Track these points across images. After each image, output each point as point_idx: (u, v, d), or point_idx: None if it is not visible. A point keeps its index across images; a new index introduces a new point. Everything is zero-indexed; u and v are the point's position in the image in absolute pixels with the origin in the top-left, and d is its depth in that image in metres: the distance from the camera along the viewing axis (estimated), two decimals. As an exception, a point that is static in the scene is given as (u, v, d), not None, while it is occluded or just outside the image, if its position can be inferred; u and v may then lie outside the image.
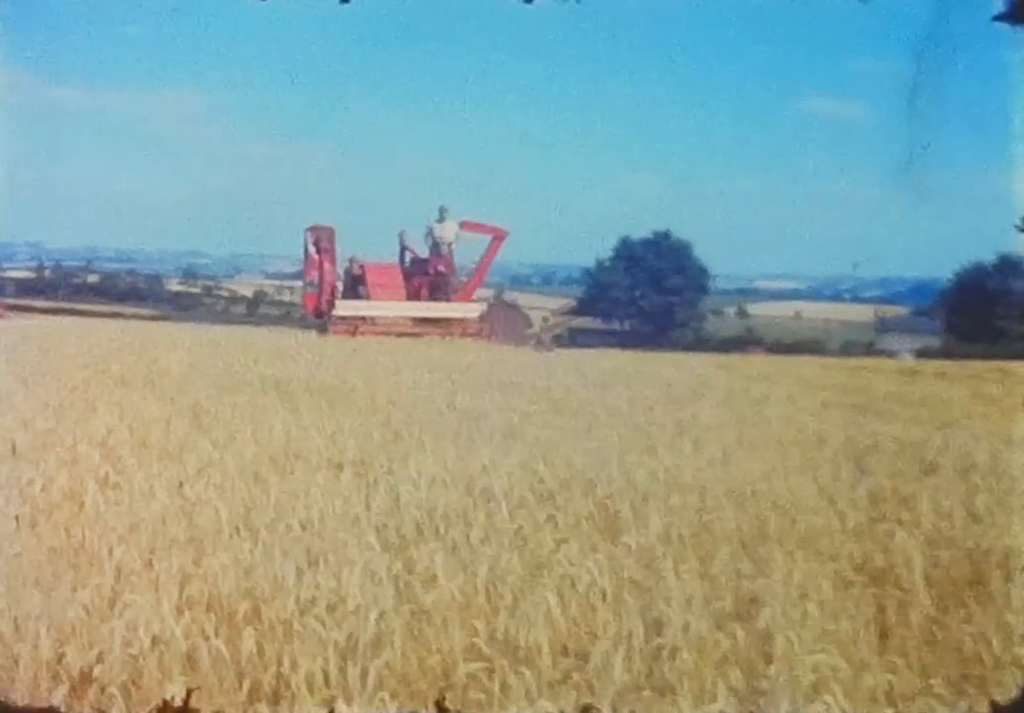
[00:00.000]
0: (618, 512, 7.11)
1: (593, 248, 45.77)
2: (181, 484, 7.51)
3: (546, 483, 7.84)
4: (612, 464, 8.50)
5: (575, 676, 4.67)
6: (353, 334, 29.59)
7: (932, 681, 4.60)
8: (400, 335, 29.71)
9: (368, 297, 32.06)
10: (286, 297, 67.95)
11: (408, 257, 33.98)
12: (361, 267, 32.70)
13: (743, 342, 42.41)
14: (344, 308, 31.34)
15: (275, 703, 4.73)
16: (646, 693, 4.49)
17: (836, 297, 77.04)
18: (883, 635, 5.18)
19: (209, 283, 63.92)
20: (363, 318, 31.31)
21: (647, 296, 45.17)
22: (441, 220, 33.02)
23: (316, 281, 32.08)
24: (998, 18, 6.70)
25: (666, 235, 45.38)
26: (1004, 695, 4.52)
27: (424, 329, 31.32)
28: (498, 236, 33.76)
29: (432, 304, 32.37)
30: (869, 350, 57.40)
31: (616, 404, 12.72)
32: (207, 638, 5.01)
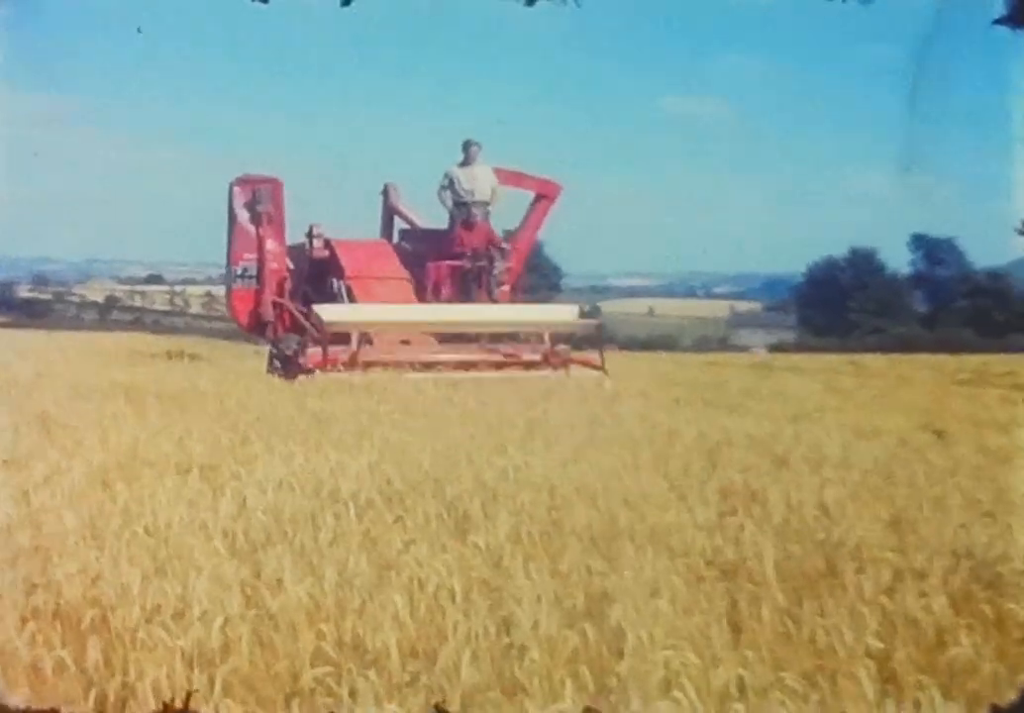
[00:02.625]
0: (467, 512, 7.12)
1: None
2: (27, 492, 7.42)
3: (394, 484, 7.84)
4: (461, 464, 8.54)
5: (424, 678, 4.67)
6: (352, 367, 17.00)
7: (784, 674, 4.65)
8: (460, 367, 17.72)
9: (347, 297, 19.56)
10: (137, 302, 67.45)
11: (397, 229, 22.06)
12: (329, 245, 20.30)
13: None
14: (331, 315, 18.07)
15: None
16: (494, 694, 4.50)
17: (689, 293, 78.09)
18: (735, 629, 5.23)
19: (60, 289, 63.30)
20: (364, 338, 18.07)
21: (499, 295, 45.18)
22: (467, 163, 20.62)
23: (252, 269, 19.81)
24: (998, 21, 6.76)
25: (517, 233, 45.34)
26: (855, 687, 4.57)
27: (491, 357, 18.63)
28: (548, 193, 21.52)
29: (484, 307, 19.89)
30: (723, 345, 58.23)
31: (467, 403, 12.77)
32: (52, 648, 4.96)
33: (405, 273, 20.44)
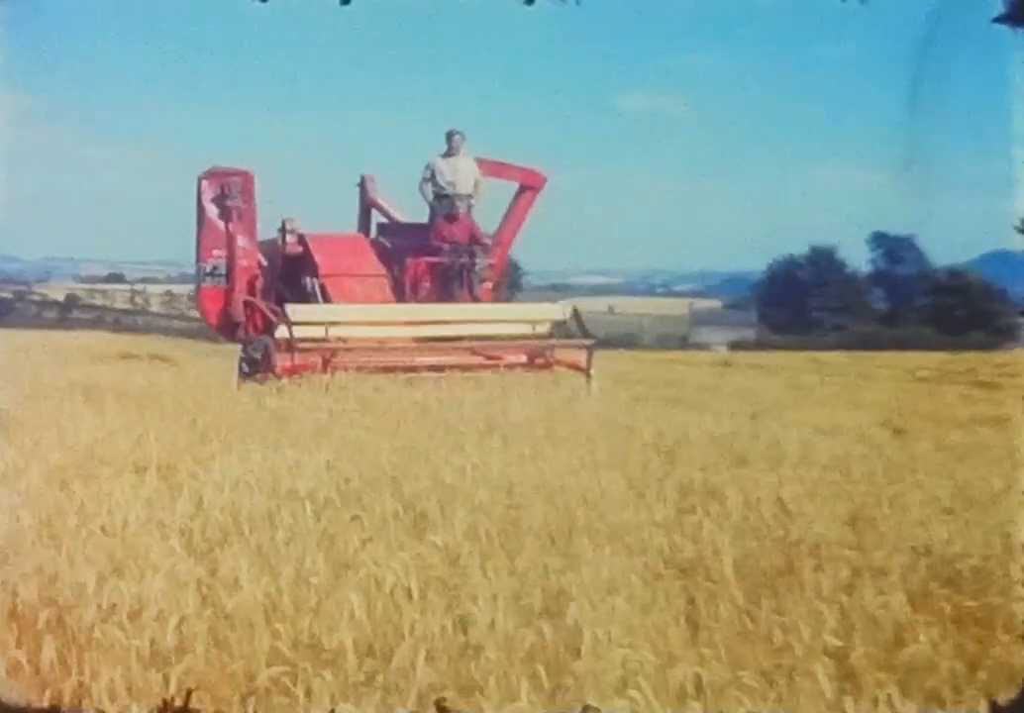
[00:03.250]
0: (425, 511, 7.11)
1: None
2: (-17, 493, 7.38)
3: (352, 483, 7.81)
4: (419, 462, 8.52)
5: (380, 677, 4.65)
6: (325, 369, 15.78)
7: (742, 673, 4.65)
8: (440, 371, 16.32)
9: (321, 296, 18.54)
10: (98, 301, 67.24)
11: (375, 223, 20.95)
12: (302, 241, 19.16)
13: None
14: (301, 316, 16.81)
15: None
16: (450, 693, 4.48)
17: (649, 291, 78.30)
18: (693, 628, 5.23)
19: (20, 288, 63.05)
20: (337, 342, 16.75)
21: (459, 293, 45.13)
22: (450, 154, 19.65)
23: (222, 267, 18.80)
24: (998, 20, 6.74)
25: (478, 232, 45.34)
26: (813, 685, 4.57)
27: (471, 359, 17.39)
28: (533, 184, 20.39)
29: (465, 307, 18.95)
30: (683, 343, 58.37)
31: (426, 402, 12.72)
32: (7, 648, 4.93)
33: (382, 270, 19.16)
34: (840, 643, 4.96)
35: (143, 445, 9.20)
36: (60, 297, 63.81)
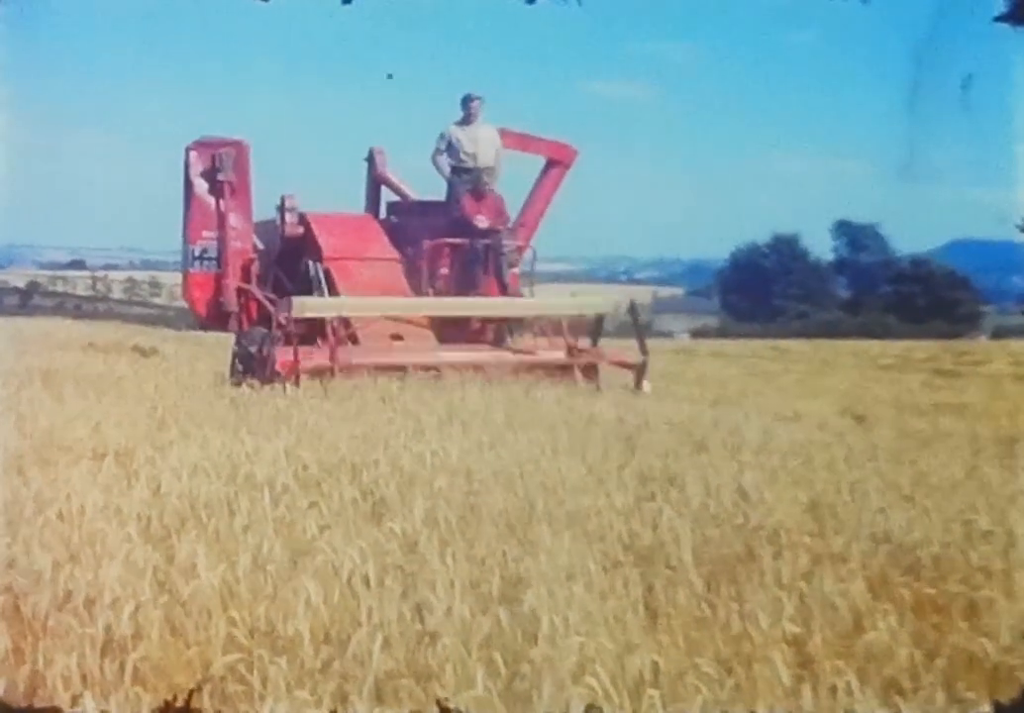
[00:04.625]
0: (384, 497, 7.11)
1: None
2: (-60, 480, 7.34)
3: (311, 469, 7.81)
4: (379, 449, 8.51)
5: (336, 664, 4.63)
6: (330, 373, 13.71)
7: (699, 660, 4.64)
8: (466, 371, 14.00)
9: (325, 282, 16.25)
10: (59, 288, 67.09)
11: (385, 202, 18.85)
12: (304, 220, 17.11)
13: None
14: (309, 310, 14.76)
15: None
16: (406, 680, 4.47)
17: (612, 278, 78.46)
18: (651, 615, 5.22)
19: (-20, 274, 62.98)
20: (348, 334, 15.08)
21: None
22: (468, 122, 17.45)
23: (213, 250, 16.92)
24: (999, 19, 6.75)
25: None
26: (771, 672, 4.57)
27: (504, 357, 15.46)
28: (563, 158, 18.50)
29: (500, 301, 16.99)
30: (646, 331, 58.52)
31: (387, 388, 12.71)
32: (-38, 636, 4.91)
33: (395, 253, 17.19)
34: (798, 630, 4.96)
35: (101, 431, 9.21)
36: (21, 284, 63.64)
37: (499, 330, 17.26)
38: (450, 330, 16.26)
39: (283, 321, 14.43)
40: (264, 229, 17.49)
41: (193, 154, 17.07)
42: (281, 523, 6.45)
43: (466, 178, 17.41)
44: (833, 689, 4.45)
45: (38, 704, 4.59)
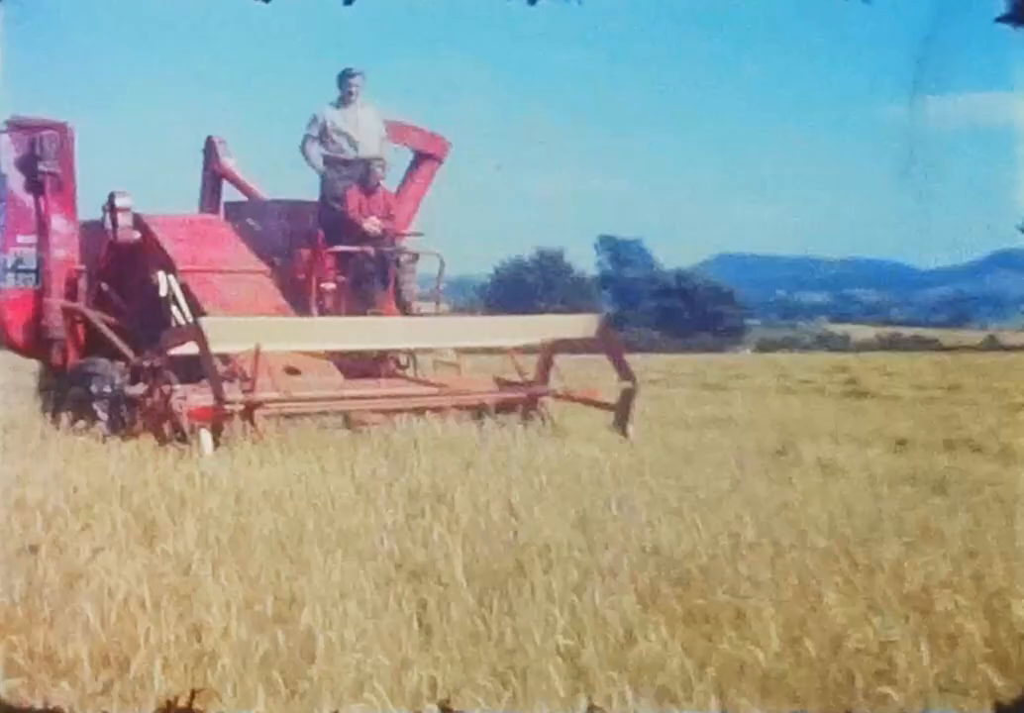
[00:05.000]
0: (155, 519, 7.15)
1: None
2: None
3: (81, 491, 7.79)
4: (147, 470, 8.53)
5: (117, 686, 4.69)
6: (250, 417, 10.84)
7: (475, 674, 4.79)
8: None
9: (185, 301, 13.32)
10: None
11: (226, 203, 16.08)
12: (139, 223, 14.06)
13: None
14: (222, 335, 11.26)
15: None
16: (187, 700, 4.55)
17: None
18: (426, 631, 5.35)
19: None
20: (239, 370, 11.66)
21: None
22: (345, 103, 14.89)
23: (31, 259, 13.76)
24: (1000, 19, 6.83)
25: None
26: (546, 684, 4.72)
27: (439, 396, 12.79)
28: (435, 152, 15.91)
29: (417, 321, 14.74)
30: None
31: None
32: None
33: (261, 264, 14.40)
34: (571, 643, 5.12)
35: None
36: None
37: (408, 359, 14.63)
38: (348, 361, 13.44)
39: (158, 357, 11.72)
40: (87, 233, 14.26)
41: (5, 138, 13.78)
42: (54, 546, 6.45)
43: (344, 172, 14.87)
44: (608, 699, 4.62)
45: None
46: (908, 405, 18.91)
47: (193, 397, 11.03)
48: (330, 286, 14.40)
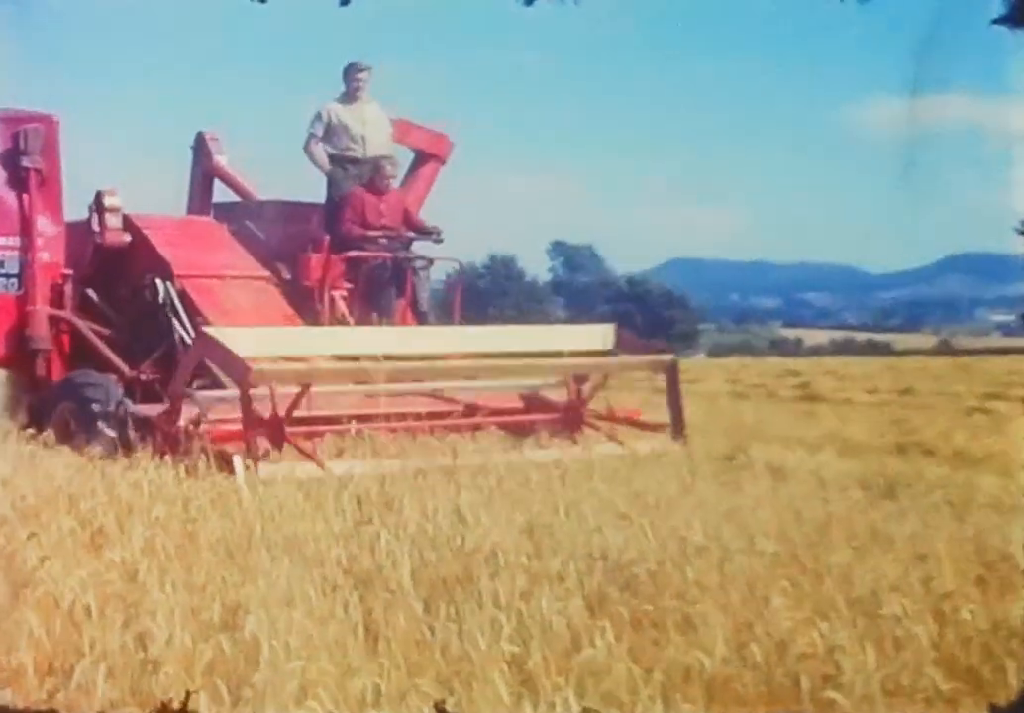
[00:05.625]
0: (102, 527, 7.14)
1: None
2: None
3: (28, 500, 7.78)
4: (95, 478, 8.51)
5: (61, 695, 4.69)
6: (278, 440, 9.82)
7: (420, 681, 4.80)
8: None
9: (182, 308, 12.42)
10: None
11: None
12: (131, 225, 13.13)
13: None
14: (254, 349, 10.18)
15: None
16: (130, 709, 4.55)
17: (321, 299, 78.24)
18: (372, 637, 5.37)
19: None
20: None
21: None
22: (351, 99, 14.29)
23: (13, 263, 12.80)
24: (997, 21, 6.81)
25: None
26: (491, 691, 4.74)
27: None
28: (438, 152, 15.21)
29: (482, 330, 13.80)
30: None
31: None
32: None
33: (263, 270, 13.36)
34: (517, 649, 5.13)
35: None
36: None
37: None
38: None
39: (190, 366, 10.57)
40: (69, 236, 13.29)
41: None
42: (0, 554, 6.44)
43: (352, 171, 14.17)
44: (552, 705, 4.64)
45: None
46: (860, 409, 19.02)
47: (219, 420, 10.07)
48: (341, 294, 13.70)
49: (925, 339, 70.91)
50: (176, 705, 4.60)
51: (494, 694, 4.73)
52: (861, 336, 74.98)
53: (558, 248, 76.41)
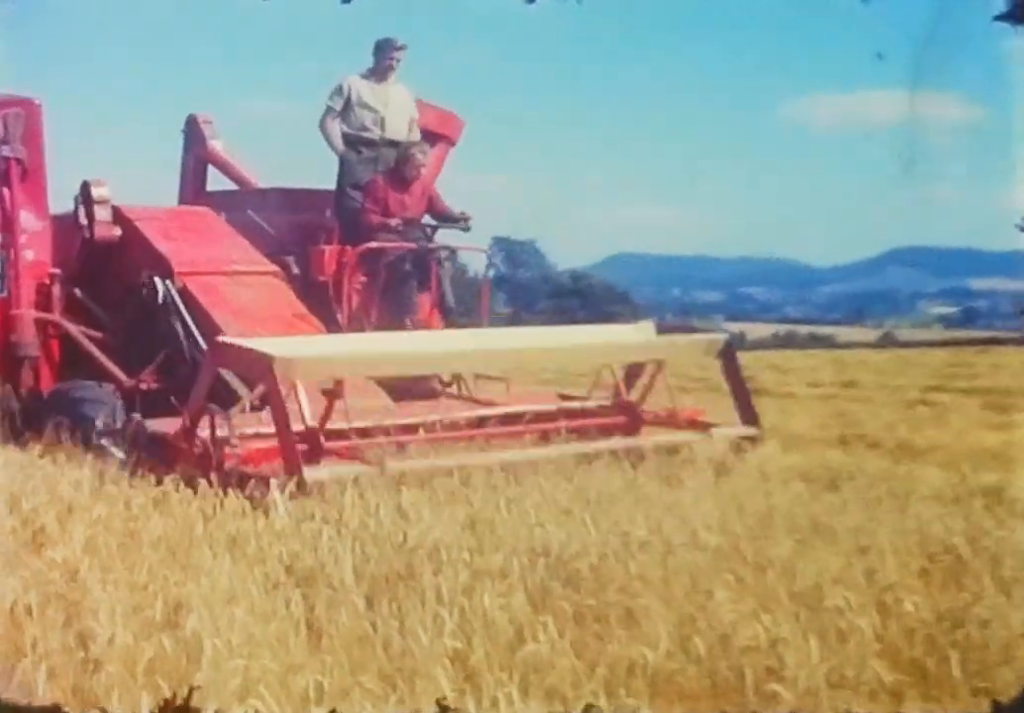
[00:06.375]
0: (44, 525, 7.12)
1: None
2: None
3: (-32, 500, 7.77)
4: (37, 477, 8.49)
5: (2, 695, 4.68)
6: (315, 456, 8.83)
7: (363, 678, 4.82)
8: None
9: (184, 307, 11.23)
10: None
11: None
12: (121, 217, 11.98)
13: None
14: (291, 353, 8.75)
15: None
16: (73, 708, 4.55)
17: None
18: (314, 635, 5.39)
19: None
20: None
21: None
22: (378, 77, 13.06)
23: None
24: (999, 18, 6.81)
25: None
26: (434, 687, 4.76)
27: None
28: (449, 133, 13.87)
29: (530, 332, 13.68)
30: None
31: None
32: None
33: (269, 264, 12.18)
34: (460, 645, 5.16)
35: None
36: None
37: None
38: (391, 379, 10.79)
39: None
40: (58, 229, 12.35)
41: None
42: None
43: (366, 153, 12.96)
44: (495, 701, 4.66)
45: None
46: (803, 402, 19.02)
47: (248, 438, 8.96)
48: (357, 289, 12.57)
49: (867, 332, 71.15)
50: (179, 701, 4.61)
51: (436, 690, 4.75)
52: (804, 330, 75.14)
53: (500, 244, 76.24)
